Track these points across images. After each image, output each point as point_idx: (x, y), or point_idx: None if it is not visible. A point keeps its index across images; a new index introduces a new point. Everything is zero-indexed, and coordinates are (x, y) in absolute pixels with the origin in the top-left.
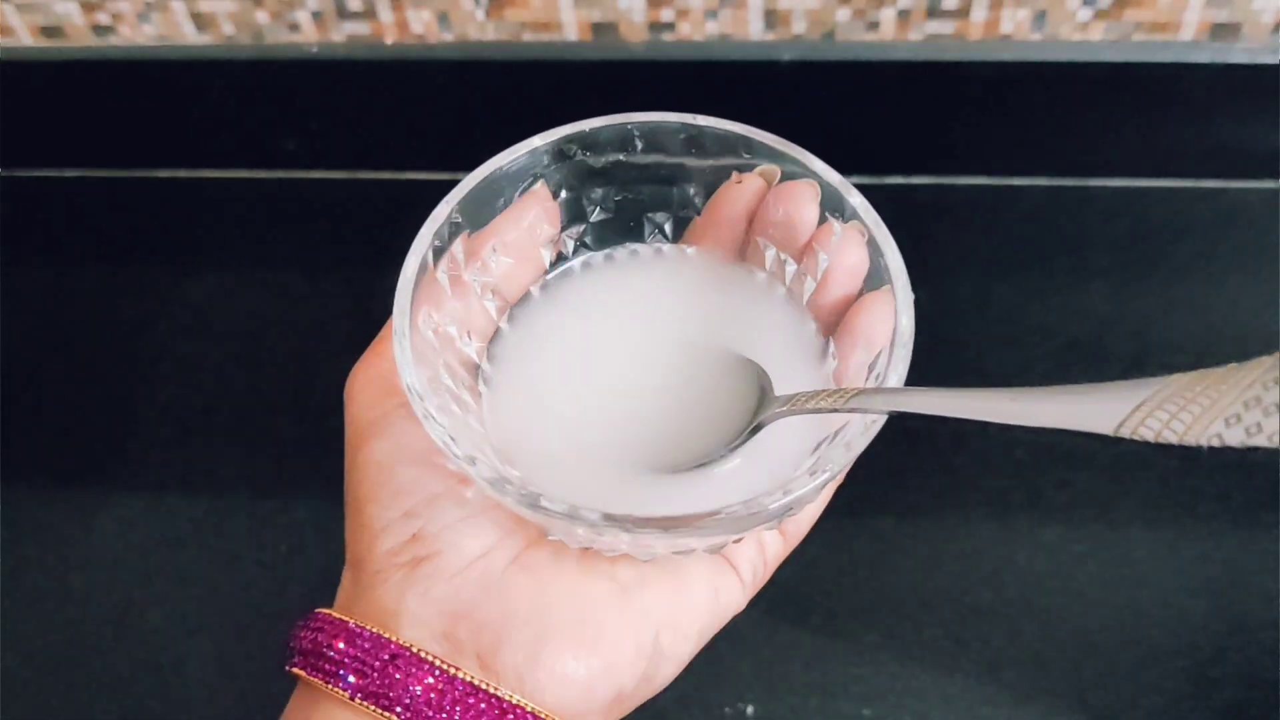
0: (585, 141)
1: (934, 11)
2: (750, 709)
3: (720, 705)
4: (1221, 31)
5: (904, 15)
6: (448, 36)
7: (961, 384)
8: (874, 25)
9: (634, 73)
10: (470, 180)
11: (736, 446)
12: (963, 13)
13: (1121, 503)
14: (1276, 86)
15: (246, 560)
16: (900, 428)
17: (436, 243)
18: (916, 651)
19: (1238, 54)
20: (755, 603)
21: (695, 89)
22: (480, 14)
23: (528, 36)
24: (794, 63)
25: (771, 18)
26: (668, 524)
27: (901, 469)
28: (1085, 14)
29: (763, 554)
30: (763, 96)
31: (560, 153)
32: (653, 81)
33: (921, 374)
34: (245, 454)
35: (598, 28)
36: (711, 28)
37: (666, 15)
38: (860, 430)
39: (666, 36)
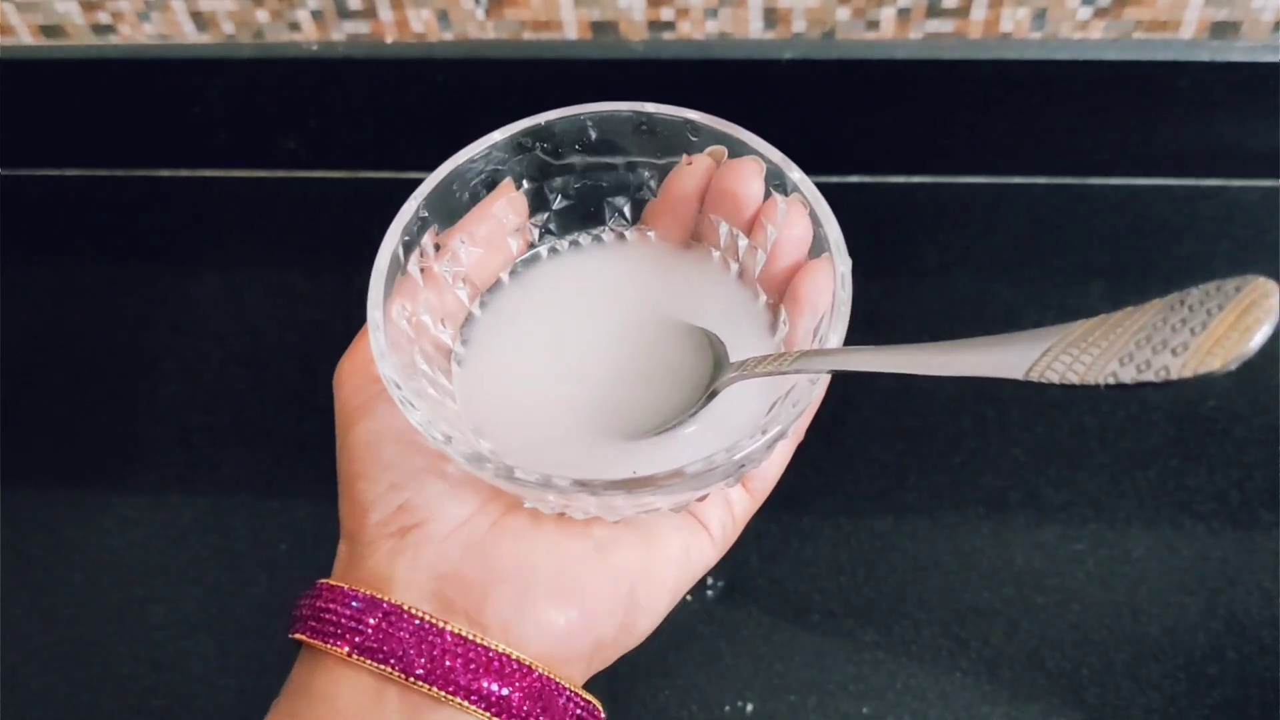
0: (542, 134)
1: (934, 10)
2: (749, 707)
3: (720, 703)
4: (1221, 30)
5: (904, 14)
6: (448, 35)
7: (957, 384)
8: (874, 24)
9: (634, 71)
10: (434, 177)
11: (695, 412)
12: (963, 11)
13: (1119, 502)
14: (1276, 85)
15: (247, 559)
16: (897, 427)
17: (406, 238)
18: (915, 650)
19: (1238, 52)
20: (755, 601)
21: (695, 88)
22: (480, 13)
23: (528, 35)
24: (794, 61)
25: (771, 16)
26: (631, 485)
27: (899, 469)
28: (1085, 12)
29: (730, 512)
30: (762, 95)
31: (519, 146)
32: (652, 80)
33: None
34: (246, 453)
35: (597, 26)
36: (711, 26)
37: (666, 14)
38: (806, 389)
39: (666, 35)
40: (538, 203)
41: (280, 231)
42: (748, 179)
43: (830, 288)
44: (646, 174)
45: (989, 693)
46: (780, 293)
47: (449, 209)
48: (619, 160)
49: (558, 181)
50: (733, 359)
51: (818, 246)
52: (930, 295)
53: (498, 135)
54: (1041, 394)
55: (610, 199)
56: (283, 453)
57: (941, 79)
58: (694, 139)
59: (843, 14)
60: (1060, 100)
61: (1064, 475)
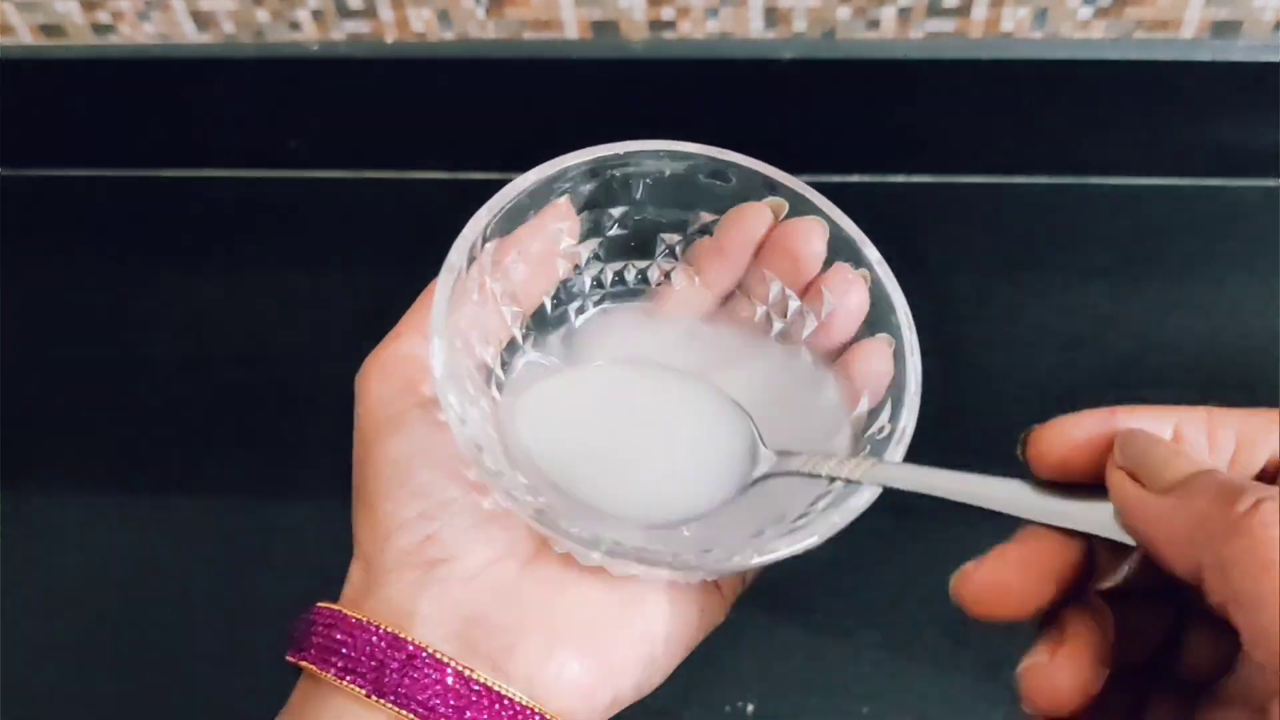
0: (619, 164)
1: (935, 9)
2: (750, 707)
3: (721, 703)
4: (1222, 29)
5: (905, 13)
6: (448, 35)
7: (959, 384)
8: (874, 23)
9: (634, 71)
10: (507, 192)
11: (731, 500)
12: (963, 11)
13: None
14: (1277, 84)
15: (247, 559)
16: None
17: (472, 253)
18: (916, 650)
19: (1238, 52)
20: (755, 601)
21: (695, 87)
22: (481, 12)
23: (528, 35)
24: (794, 61)
25: (772, 16)
26: (678, 563)
27: None
28: (1086, 12)
29: (743, 574)
30: (763, 95)
31: (593, 172)
32: (653, 80)
33: (921, 373)
34: (246, 453)
35: (598, 26)
36: (712, 26)
37: (667, 13)
38: (868, 491)
39: (667, 35)
40: (592, 228)
41: (280, 231)
42: (812, 239)
43: (885, 370)
44: (709, 218)
45: (990, 692)
46: (827, 361)
47: (510, 227)
48: (685, 198)
49: (617, 211)
50: (774, 436)
51: (881, 328)
52: (931, 295)
53: (572, 159)
54: (1043, 394)
55: (664, 235)
56: (283, 453)
57: (942, 78)
58: (769, 194)
59: (843, 13)
60: (1061, 100)
61: None
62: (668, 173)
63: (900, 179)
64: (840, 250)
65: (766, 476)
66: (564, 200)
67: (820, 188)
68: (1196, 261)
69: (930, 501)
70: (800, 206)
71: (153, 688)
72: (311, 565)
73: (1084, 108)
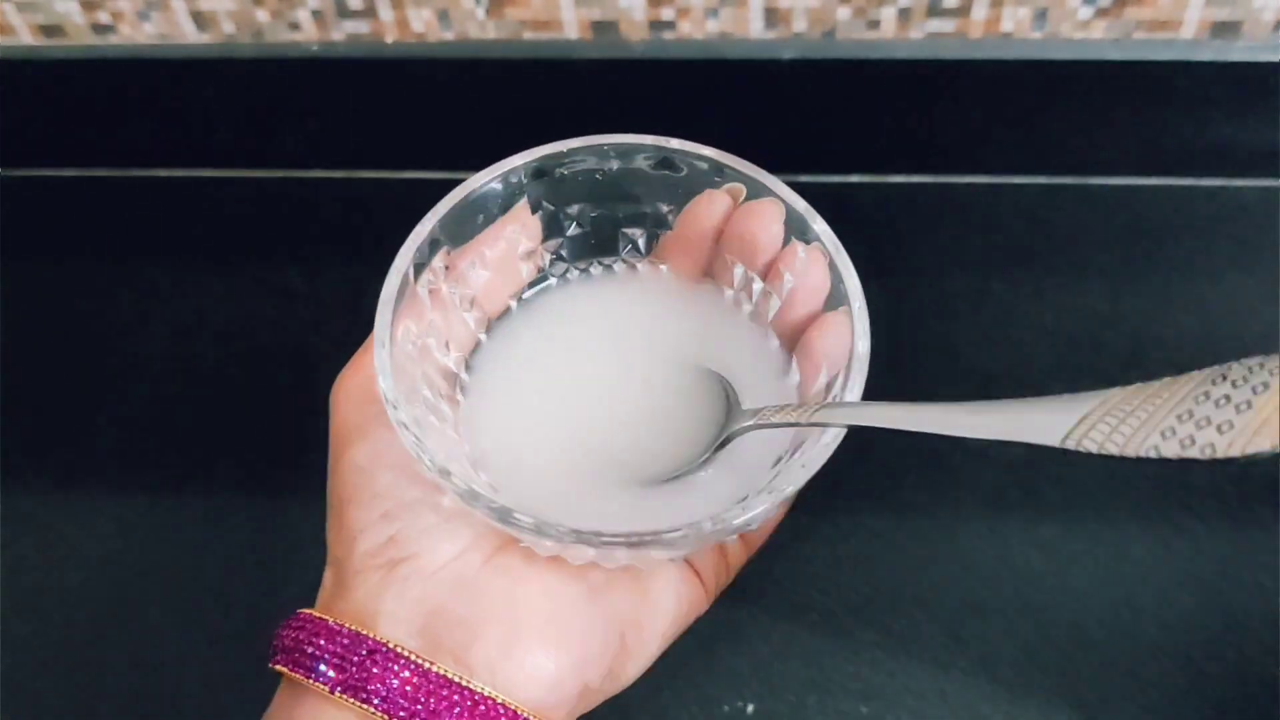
0: (563, 161)
1: (935, 10)
2: (749, 707)
3: (719, 703)
4: (1222, 29)
5: (905, 13)
6: (448, 35)
7: (958, 384)
8: (874, 24)
9: (634, 71)
10: (452, 197)
11: (706, 460)
12: (963, 11)
13: (1118, 500)
14: (1277, 84)
15: (244, 560)
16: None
17: (417, 259)
18: (914, 649)
19: (1238, 52)
20: (753, 601)
21: (696, 88)
22: (480, 12)
23: (528, 35)
24: (794, 61)
25: (772, 16)
26: (632, 540)
27: (898, 466)
28: (1086, 12)
29: (725, 561)
30: (763, 95)
31: (539, 171)
32: (653, 80)
33: (919, 372)
34: (243, 453)
35: (598, 26)
36: (712, 26)
37: (667, 14)
38: (819, 452)
39: (667, 35)
40: (552, 228)
41: (279, 232)
42: (767, 222)
43: (845, 342)
44: (665, 208)
45: (987, 691)
46: (793, 339)
47: (462, 231)
48: (638, 191)
49: (574, 209)
50: (745, 403)
51: (835, 299)
52: (929, 294)
53: (518, 159)
54: (1042, 394)
55: (626, 229)
56: (280, 454)
57: (941, 79)
58: (718, 179)
59: (843, 13)
60: (1060, 100)
61: (1063, 473)
62: (615, 166)
63: (900, 179)
64: (790, 224)
65: (738, 432)
66: (522, 204)
67: (820, 188)
68: (1195, 261)
69: (927, 500)
70: (750, 187)
71: (150, 687)
72: (307, 565)
73: (1084, 108)
